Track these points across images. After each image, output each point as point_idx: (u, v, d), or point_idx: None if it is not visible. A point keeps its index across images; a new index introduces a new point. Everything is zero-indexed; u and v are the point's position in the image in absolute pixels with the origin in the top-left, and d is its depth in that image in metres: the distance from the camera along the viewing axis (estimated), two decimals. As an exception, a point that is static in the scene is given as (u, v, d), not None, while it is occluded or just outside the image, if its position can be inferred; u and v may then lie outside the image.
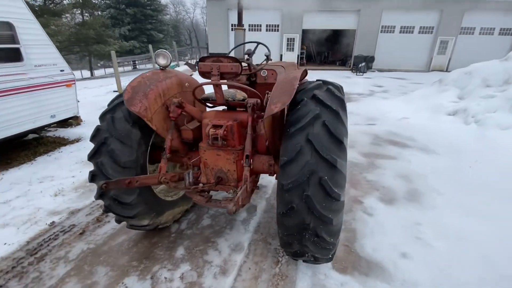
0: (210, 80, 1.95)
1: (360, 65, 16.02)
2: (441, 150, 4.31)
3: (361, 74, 15.82)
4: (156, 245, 2.38)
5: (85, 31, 27.62)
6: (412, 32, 17.92)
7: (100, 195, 2.00)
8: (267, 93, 2.02)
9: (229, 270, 2.11)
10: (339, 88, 1.82)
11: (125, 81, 8.99)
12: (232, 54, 2.96)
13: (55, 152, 4.54)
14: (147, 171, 2.18)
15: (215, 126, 1.97)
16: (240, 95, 2.18)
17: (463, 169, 3.67)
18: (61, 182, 3.49)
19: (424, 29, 17.87)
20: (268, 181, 3.51)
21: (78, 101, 5.37)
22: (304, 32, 18.88)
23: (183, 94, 2.28)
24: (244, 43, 3.51)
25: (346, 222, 2.64)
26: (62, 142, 4.97)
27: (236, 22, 18.11)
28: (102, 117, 2.01)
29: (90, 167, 2.15)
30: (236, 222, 2.70)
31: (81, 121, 6.16)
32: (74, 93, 5.08)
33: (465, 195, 3.07)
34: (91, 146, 2.00)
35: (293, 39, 18.42)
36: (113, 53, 11.69)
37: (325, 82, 1.83)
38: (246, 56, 2.75)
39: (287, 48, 18.77)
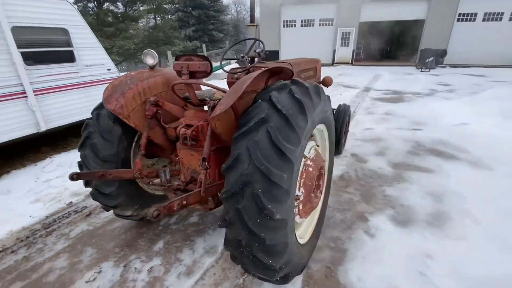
0: (181, 79, 1.93)
1: (427, 60, 13.96)
2: (498, 167, 3.42)
3: (427, 70, 13.78)
4: (142, 236, 2.51)
5: (156, 34, 31.08)
6: (501, 19, 14.68)
7: (86, 184, 2.20)
8: None
9: (195, 272, 2.08)
10: (309, 89, 1.58)
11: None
12: (230, 54, 2.87)
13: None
14: (131, 165, 2.30)
15: (187, 126, 1.96)
16: (219, 94, 2.11)
17: (525, 193, 2.84)
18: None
19: (519, 15, 14.48)
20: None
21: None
22: (362, 25, 17.37)
23: (171, 93, 2.32)
24: (233, 45, 3.45)
25: (338, 241, 2.33)
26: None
27: (289, 18, 17.82)
28: (92, 113, 2.20)
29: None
30: (222, 223, 2.65)
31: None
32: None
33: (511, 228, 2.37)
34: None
35: (348, 33, 17.14)
36: (169, 53, 12.84)
37: (295, 82, 1.62)
38: (241, 55, 2.64)
39: (341, 43, 17.58)
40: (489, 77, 11.38)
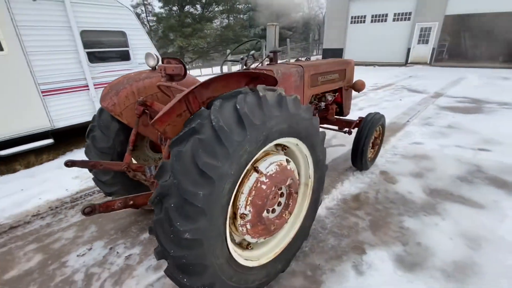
0: (164, 82, 1.99)
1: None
2: None
3: (536, 74, 10.77)
4: (136, 223, 2.72)
5: (226, 33, 33.12)
6: None
7: (90, 170, 2.50)
8: None
9: (162, 268, 2.14)
10: (262, 100, 1.40)
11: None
12: (230, 57, 2.79)
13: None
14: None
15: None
16: None
17: None
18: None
19: None
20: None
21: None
22: (447, 19, 14.68)
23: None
24: (235, 48, 3.28)
25: (318, 270, 2.05)
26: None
27: (358, 14, 16.42)
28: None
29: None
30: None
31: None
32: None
33: None
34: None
35: (429, 28, 14.75)
36: (228, 51, 13.45)
37: (252, 90, 1.47)
38: (241, 57, 2.55)
39: (419, 40, 15.28)
40: None
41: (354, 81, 3.57)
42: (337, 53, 17.73)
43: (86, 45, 4.69)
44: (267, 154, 1.70)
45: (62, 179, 3.66)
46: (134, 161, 2.68)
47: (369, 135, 3.17)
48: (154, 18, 34.23)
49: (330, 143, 4.60)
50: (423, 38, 15.11)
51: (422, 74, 12.61)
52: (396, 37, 15.68)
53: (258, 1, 32.18)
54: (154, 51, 5.77)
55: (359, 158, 3.27)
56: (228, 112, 1.32)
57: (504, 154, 3.85)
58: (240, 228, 1.54)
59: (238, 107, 1.32)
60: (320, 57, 21.35)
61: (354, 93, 8.85)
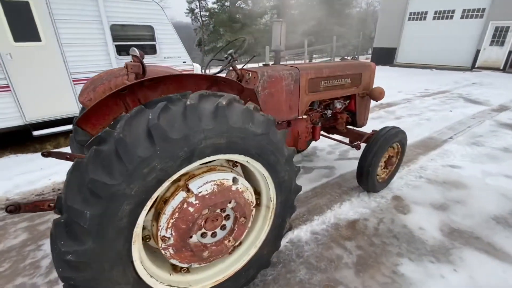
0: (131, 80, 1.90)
1: None
2: None
3: None
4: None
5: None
6: None
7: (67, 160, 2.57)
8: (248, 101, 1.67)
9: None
10: (187, 109, 1.19)
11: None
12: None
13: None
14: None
15: None
16: None
17: None
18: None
19: None
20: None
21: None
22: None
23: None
24: (223, 47, 2.97)
25: (272, 306, 1.78)
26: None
27: (418, 10, 14.58)
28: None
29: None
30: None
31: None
32: (192, 80, 6.40)
33: None
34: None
35: (507, 28, 12.37)
36: (267, 48, 13.25)
37: (178, 98, 1.27)
38: (225, 56, 2.32)
39: (492, 42, 12.96)
40: None
41: (372, 87, 3.08)
42: (389, 52, 16.11)
43: (115, 38, 4.96)
44: (211, 169, 1.48)
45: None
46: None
47: (378, 153, 2.68)
48: (207, 13, 35.67)
49: (346, 155, 4.11)
50: (498, 39, 12.74)
51: (490, 81, 10.67)
52: (463, 37, 13.53)
53: (310, -4, 31.18)
54: (180, 46, 5.87)
55: (365, 178, 2.81)
56: (138, 122, 1.15)
57: None
58: (163, 252, 1.37)
59: (150, 117, 1.14)
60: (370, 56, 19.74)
61: (394, 98, 7.90)
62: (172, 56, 5.80)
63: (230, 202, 1.48)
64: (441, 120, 5.74)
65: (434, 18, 14.49)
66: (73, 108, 4.84)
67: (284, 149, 1.62)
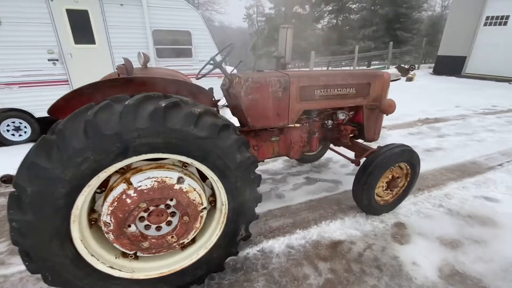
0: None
1: None
2: None
3: None
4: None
5: (329, 34, 31.98)
6: None
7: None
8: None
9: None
10: (124, 108, 1.31)
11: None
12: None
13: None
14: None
15: None
16: None
17: None
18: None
19: None
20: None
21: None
22: None
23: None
24: (216, 55, 2.95)
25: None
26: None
27: (497, 14, 12.46)
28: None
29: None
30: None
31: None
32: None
33: None
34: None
35: None
36: (312, 53, 12.97)
37: (115, 100, 1.38)
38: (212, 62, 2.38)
39: None
40: None
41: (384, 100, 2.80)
42: (457, 62, 14.13)
43: (156, 42, 5.52)
44: (159, 166, 1.58)
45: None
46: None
47: (374, 173, 2.43)
48: (263, 19, 36.57)
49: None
50: None
51: None
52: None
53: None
54: (214, 50, 6.20)
55: (359, 198, 2.57)
56: (81, 117, 1.31)
57: None
58: (106, 235, 1.51)
59: (88, 113, 1.29)
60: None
61: (447, 114, 6.95)
62: (206, 60, 6.17)
63: (171, 200, 1.56)
64: (496, 143, 4.83)
65: (485, 25, 12.20)
66: (116, 102, 5.54)
67: (236, 155, 1.62)
